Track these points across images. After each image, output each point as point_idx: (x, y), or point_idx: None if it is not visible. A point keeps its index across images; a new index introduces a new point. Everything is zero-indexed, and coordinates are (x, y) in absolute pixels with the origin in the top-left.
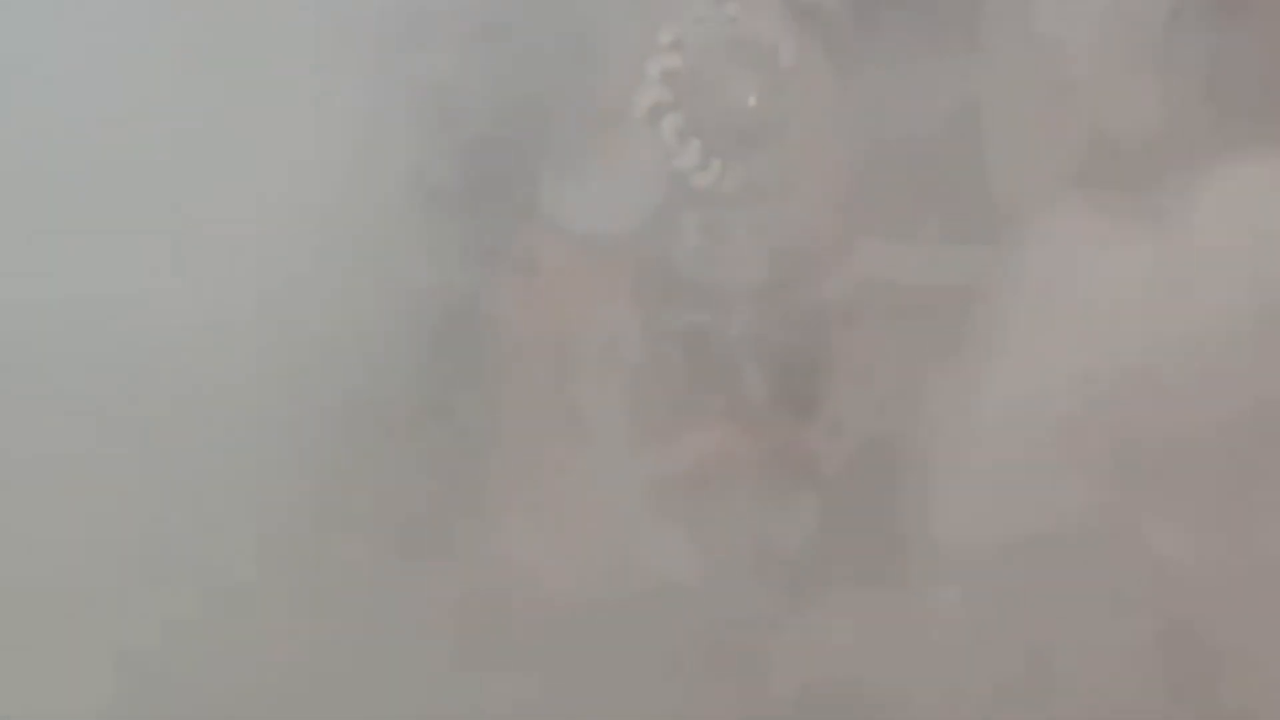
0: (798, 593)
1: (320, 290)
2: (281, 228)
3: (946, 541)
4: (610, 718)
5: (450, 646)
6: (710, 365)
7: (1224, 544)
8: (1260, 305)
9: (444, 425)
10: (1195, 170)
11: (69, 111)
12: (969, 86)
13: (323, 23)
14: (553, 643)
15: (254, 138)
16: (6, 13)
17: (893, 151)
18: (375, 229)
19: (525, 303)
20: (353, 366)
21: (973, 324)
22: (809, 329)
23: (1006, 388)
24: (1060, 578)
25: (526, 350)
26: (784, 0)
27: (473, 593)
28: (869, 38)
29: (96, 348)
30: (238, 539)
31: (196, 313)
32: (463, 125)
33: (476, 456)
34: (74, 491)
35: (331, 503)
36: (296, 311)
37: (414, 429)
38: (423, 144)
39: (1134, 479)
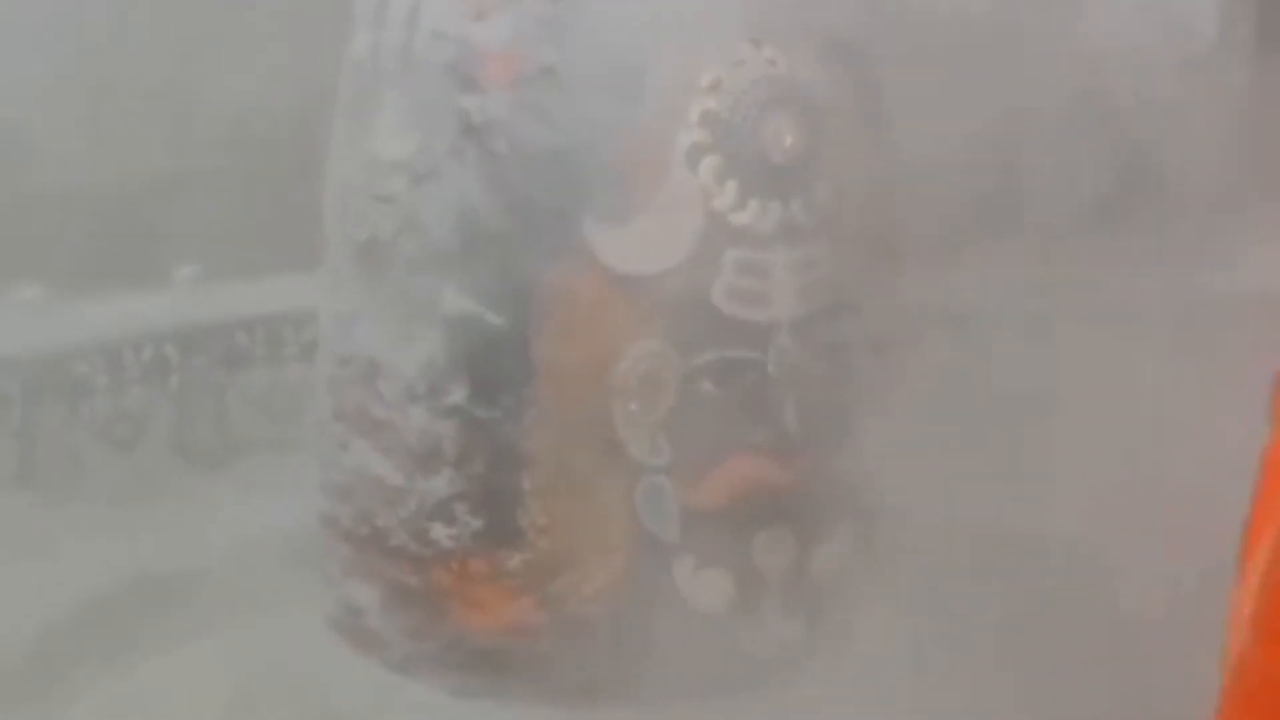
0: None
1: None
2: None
3: None
4: None
5: None
6: (746, 397)
7: None
8: None
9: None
10: None
11: None
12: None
13: None
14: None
15: None
16: None
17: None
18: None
19: (565, 335)
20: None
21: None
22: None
23: None
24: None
25: (566, 381)
26: (820, 42)
27: None
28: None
29: None
30: None
31: None
32: (508, 163)
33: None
34: None
35: None
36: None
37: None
38: (469, 180)
39: None
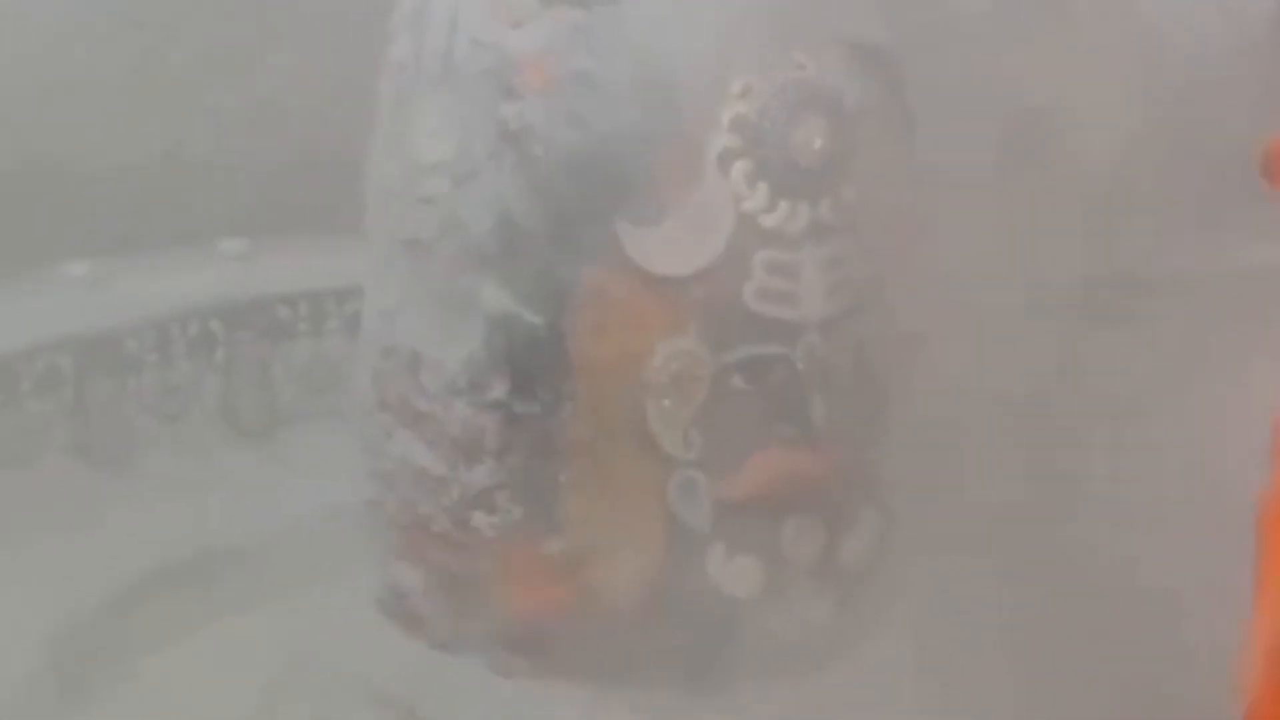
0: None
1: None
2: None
3: None
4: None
5: None
6: (775, 393)
7: None
8: None
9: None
10: None
11: None
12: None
13: None
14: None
15: None
16: None
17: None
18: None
19: (600, 333)
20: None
21: None
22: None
23: None
24: None
25: (602, 378)
26: (849, 46)
27: None
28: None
29: None
30: None
31: None
32: (544, 166)
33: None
34: None
35: None
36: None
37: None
38: (508, 183)
39: None
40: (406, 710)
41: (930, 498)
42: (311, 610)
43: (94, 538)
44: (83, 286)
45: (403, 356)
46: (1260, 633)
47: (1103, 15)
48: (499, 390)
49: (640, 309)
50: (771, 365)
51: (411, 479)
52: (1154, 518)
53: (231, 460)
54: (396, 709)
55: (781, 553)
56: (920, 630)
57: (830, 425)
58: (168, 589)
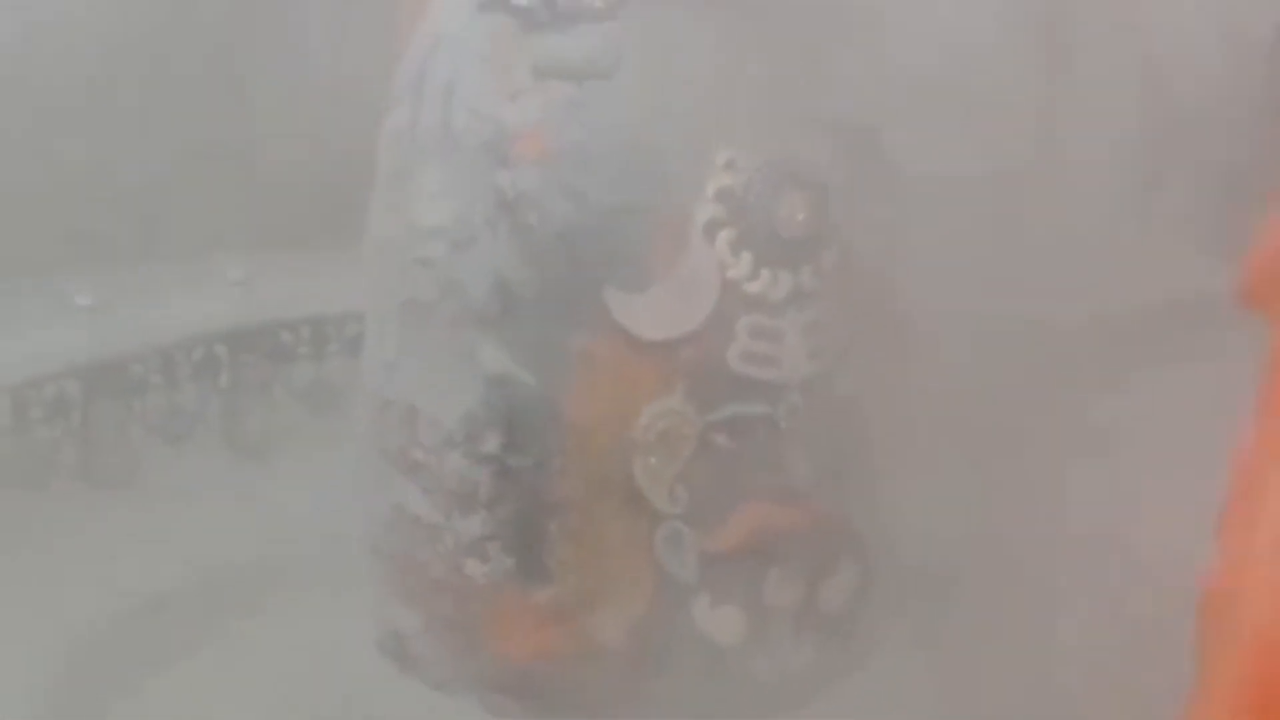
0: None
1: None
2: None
3: None
4: None
5: None
6: (758, 450)
7: None
8: None
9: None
10: None
11: None
12: None
13: None
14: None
15: None
16: None
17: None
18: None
19: (590, 394)
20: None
21: None
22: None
23: None
24: None
25: (591, 436)
26: (832, 122)
27: None
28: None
29: None
30: None
31: None
32: (538, 234)
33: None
34: None
35: None
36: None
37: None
38: (503, 250)
39: None
40: None
41: (909, 543)
42: (314, 631)
43: (100, 558)
44: (89, 314)
45: (401, 409)
46: None
47: (1103, 44)
48: (493, 445)
49: (629, 371)
50: (755, 424)
51: (408, 526)
52: (1140, 568)
53: (235, 480)
54: None
55: (764, 601)
56: (897, 670)
57: (811, 480)
58: (171, 609)
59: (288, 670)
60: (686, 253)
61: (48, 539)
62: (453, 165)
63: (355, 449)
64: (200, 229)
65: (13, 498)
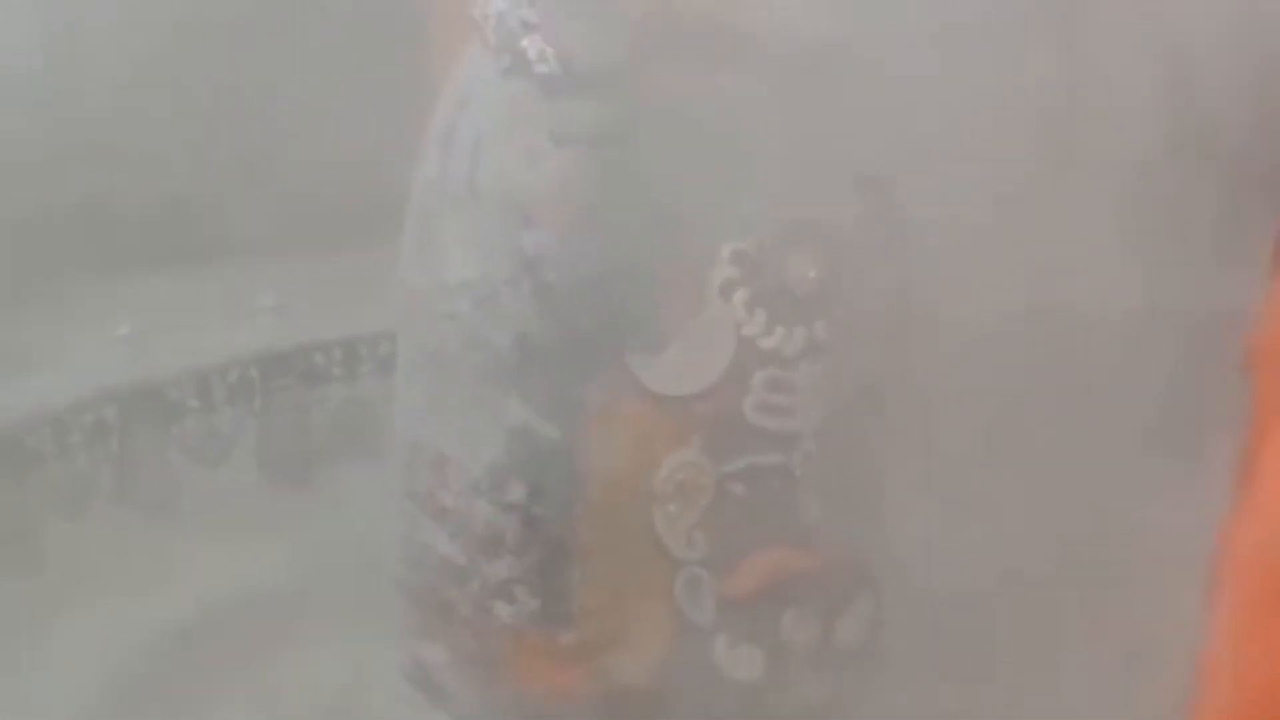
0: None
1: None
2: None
3: None
4: None
5: None
6: (773, 497)
7: None
8: None
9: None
10: None
11: None
12: None
13: None
14: None
15: None
16: None
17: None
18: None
19: (611, 447)
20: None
21: None
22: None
23: None
24: None
25: (612, 486)
26: (842, 180)
27: None
28: None
29: None
30: None
31: None
32: (559, 293)
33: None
34: None
35: None
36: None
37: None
38: (525, 306)
39: None
40: None
41: (922, 576)
42: (350, 655)
43: (140, 581)
44: (126, 342)
45: (430, 454)
46: None
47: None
48: (517, 494)
49: (647, 425)
50: (770, 472)
51: (437, 566)
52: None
53: (270, 502)
54: None
55: (781, 640)
56: (913, 700)
57: (825, 524)
58: (208, 632)
59: (318, 697)
60: (703, 311)
61: (88, 563)
62: (477, 222)
63: (386, 486)
64: (232, 253)
65: (53, 523)
